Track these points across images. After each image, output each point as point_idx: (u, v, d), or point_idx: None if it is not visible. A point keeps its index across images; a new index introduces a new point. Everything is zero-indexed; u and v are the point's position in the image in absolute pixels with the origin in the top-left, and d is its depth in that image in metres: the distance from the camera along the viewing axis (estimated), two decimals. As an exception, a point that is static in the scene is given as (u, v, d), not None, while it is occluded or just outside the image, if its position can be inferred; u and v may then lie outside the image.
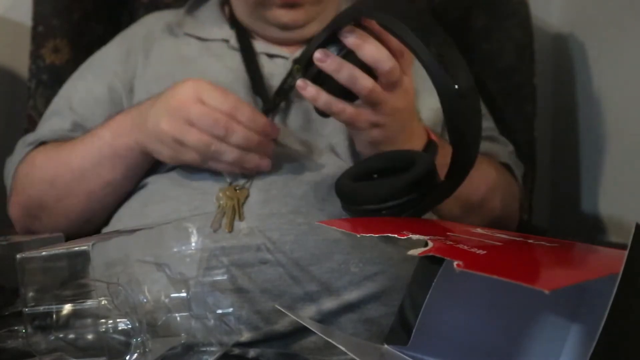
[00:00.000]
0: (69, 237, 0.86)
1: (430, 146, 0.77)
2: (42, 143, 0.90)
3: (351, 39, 0.66)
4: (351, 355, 0.51)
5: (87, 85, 0.92)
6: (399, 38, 0.62)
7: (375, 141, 0.73)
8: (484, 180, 0.85)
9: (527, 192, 1.08)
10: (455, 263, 0.42)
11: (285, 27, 0.87)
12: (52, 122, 0.92)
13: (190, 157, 0.75)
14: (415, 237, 0.49)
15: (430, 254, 0.46)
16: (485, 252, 0.46)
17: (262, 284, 0.72)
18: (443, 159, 0.67)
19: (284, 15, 0.86)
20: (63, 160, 0.84)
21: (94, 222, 0.86)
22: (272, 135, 0.77)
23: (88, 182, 0.82)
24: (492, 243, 0.50)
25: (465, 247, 0.47)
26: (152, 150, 0.78)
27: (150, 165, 0.83)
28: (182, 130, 0.74)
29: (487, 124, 0.96)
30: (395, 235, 0.50)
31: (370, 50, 0.66)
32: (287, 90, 0.84)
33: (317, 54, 0.67)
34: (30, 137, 0.92)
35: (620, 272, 0.40)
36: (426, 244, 0.47)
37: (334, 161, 0.80)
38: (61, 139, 0.89)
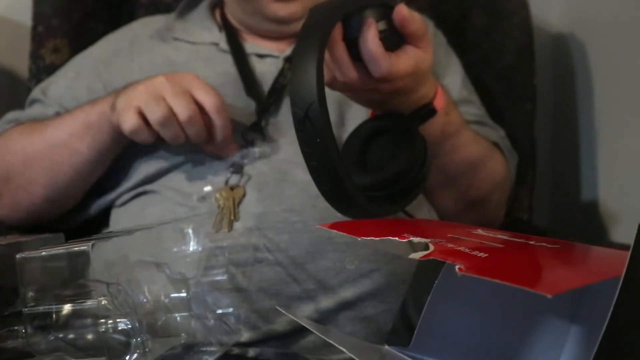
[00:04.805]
0: (33, 226, 0.86)
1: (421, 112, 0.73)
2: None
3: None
4: (352, 356, 0.51)
5: (67, 83, 0.92)
6: None
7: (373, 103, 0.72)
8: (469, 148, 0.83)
9: (527, 192, 1.08)
10: (457, 267, 0.42)
11: (281, 21, 0.87)
12: (34, 107, 0.92)
13: (158, 110, 0.74)
14: (416, 240, 0.50)
15: (432, 257, 0.46)
16: (486, 254, 0.46)
17: (259, 283, 0.72)
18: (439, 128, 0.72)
19: (281, 8, 0.86)
20: (39, 131, 0.84)
21: (55, 207, 0.85)
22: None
23: (56, 150, 0.82)
24: (493, 245, 0.51)
25: (467, 250, 0.47)
26: (122, 101, 0.76)
27: (119, 150, 0.82)
28: (158, 88, 0.75)
29: (475, 110, 0.95)
30: (396, 238, 0.50)
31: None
32: (279, 90, 0.84)
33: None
34: (11, 115, 0.91)
35: (622, 274, 0.40)
36: (427, 247, 0.48)
37: None
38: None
